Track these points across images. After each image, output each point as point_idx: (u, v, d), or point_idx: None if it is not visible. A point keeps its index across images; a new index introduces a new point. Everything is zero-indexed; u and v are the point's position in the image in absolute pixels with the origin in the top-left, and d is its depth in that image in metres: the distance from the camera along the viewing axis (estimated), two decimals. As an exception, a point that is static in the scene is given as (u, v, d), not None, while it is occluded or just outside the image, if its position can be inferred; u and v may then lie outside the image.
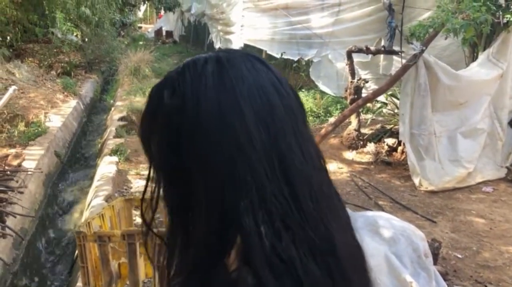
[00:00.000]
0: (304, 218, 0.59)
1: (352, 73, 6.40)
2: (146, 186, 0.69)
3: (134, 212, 2.86)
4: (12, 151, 5.88)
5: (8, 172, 4.77)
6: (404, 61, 6.14)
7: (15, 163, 5.19)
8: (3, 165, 4.87)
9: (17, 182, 4.78)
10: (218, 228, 0.60)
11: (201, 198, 0.61)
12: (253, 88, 0.62)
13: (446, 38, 5.11)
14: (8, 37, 10.85)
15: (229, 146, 0.59)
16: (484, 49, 5.93)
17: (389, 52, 6.44)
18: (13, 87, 6.89)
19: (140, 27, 28.37)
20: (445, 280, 3.00)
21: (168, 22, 21.81)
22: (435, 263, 3.27)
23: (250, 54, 0.69)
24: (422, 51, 5.35)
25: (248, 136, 0.59)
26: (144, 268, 2.31)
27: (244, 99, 0.61)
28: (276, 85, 0.65)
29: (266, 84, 0.64)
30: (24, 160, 5.45)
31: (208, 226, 0.61)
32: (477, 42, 5.49)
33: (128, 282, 2.40)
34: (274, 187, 0.59)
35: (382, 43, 7.36)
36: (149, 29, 27.03)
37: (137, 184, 5.31)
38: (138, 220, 3.41)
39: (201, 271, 0.62)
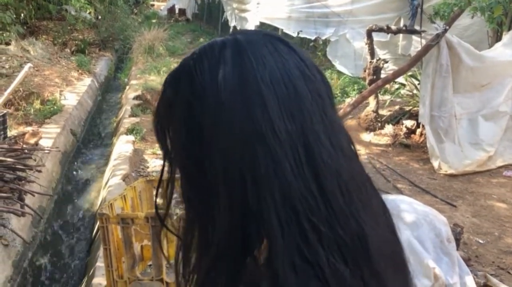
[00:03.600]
0: (333, 214, 0.54)
1: (372, 53, 6.26)
2: (160, 181, 0.66)
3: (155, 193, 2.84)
4: (29, 128, 5.89)
5: (26, 150, 4.77)
6: (424, 41, 5.99)
7: (32, 141, 5.19)
8: (21, 143, 4.87)
9: (35, 160, 4.79)
10: (240, 226, 0.57)
11: (221, 192, 0.57)
12: (277, 73, 0.57)
13: (472, 17, 4.95)
14: (22, 14, 10.81)
15: (250, 136, 0.55)
16: (509, 29, 5.76)
17: (410, 31, 6.27)
18: (28, 64, 6.88)
19: (153, 5, 28.13)
20: (467, 265, 2.90)
21: (181, 0, 21.58)
22: (457, 248, 3.21)
23: (271, 34, 0.64)
24: (445, 30, 5.20)
25: (271, 126, 0.55)
26: (167, 251, 2.29)
27: (267, 85, 0.56)
28: (302, 68, 0.60)
29: (290, 68, 0.59)
30: (41, 138, 5.45)
31: (230, 223, 0.58)
32: (504, 21, 5.31)
33: (150, 264, 2.39)
34: (300, 182, 0.54)
35: (402, 22, 7.18)
36: (161, 7, 26.74)
37: (154, 163, 5.29)
38: (159, 201, 3.39)
39: (221, 269, 0.59)
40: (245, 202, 0.56)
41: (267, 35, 0.63)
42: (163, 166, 0.65)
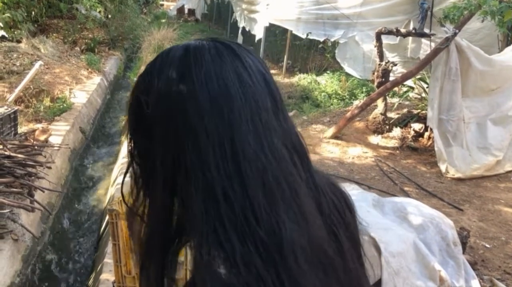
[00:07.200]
0: (251, 209, 0.57)
1: (381, 55, 6.25)
2: (127, 170, 0.72)
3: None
4: (39, 125, 5.95)
5: (36, 147, 4.82)
6: (433, 44, 5.98)
7: (42, 138, 5.25)
8: (32, 140, 4.92)
9: (44, 157, 4.83)
10: (170, 208, 0.65)
11: (158, 177, 0.64)
12: (211, 74, 0.62)
13: (482, 21, 4.94)
14: (33, 13, 10.90)
15: (182, 129, 0.61)
16: (520, 33, 5.74)
17: (419, 34, 6.25)
18: (39, 62, 6.96)
19: (162, 5, 28.24)
20: (473, 269, 2.90)
21: (190, 0, 21.64)
22: (463, 252, 3.21)
23: (222, 42, 0.68)
24: (455, 34, 5.19)
25: (200, 120, 0.60)
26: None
27: (201, 84, 0.61)
28: (240, 73, 0.64)
29: (227, 71, 0.63)
30: (50, 135, 5.50)
31: (163, 207, 0.65)
32: (514, 26, 5.30)
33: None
34: (223, 176, 0.58)
35: (411, 25, 7.17)
36: (171, 7, 26.84)
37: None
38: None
39: (152, 249, 0.66)
40: (175, 188, 0.62)
41: (217, 42, 0.68)
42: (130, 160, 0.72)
